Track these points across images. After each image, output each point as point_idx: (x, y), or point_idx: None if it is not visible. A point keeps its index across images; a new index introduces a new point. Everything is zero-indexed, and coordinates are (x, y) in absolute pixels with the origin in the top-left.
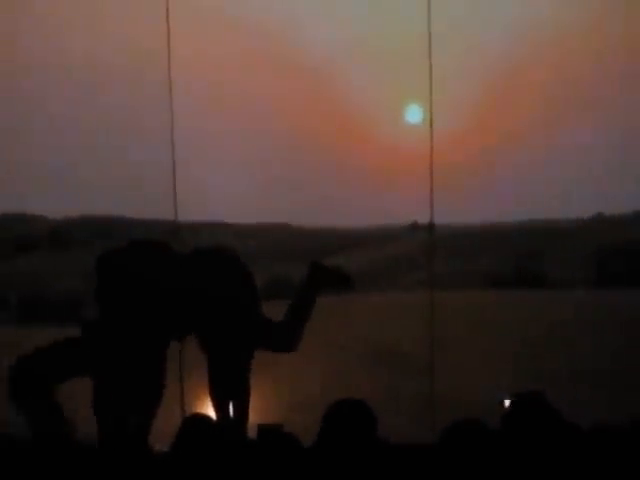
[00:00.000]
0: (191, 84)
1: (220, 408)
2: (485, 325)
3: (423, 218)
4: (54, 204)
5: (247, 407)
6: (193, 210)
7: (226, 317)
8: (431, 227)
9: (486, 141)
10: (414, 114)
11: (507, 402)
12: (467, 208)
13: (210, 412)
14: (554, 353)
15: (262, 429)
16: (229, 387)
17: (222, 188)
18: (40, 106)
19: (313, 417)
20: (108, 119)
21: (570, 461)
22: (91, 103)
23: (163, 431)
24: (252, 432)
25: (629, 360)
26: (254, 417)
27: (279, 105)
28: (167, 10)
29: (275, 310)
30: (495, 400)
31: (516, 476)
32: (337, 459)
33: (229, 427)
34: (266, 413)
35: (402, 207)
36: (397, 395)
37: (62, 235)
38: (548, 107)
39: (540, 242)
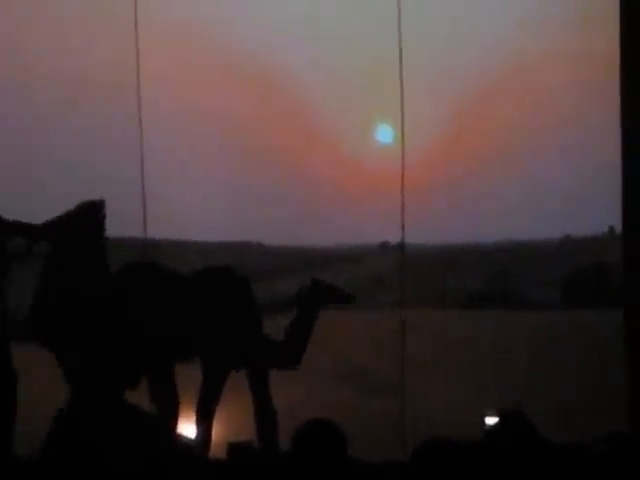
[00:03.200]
0: (160, 100)
1: (204, 427)
2: (456, 344)
3: (394, 238)
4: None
5: (276, 428)
6: (161, 227)
7: (231, 336)
8: (402, 247)
9: (457, 161)
10: (385, 133)
11: (490, 420)
12: (438, 228)
13: (186, 429)
14: (526, 372)
15: (232, 446)
16: (216, 406)
17: (190, 205)
18: (4, 122)
19: (283, 435)
20: (76, 135)
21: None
22: (59, 119)
23: None
24: (222, 450)
25: (599, 379)
26: (223, 434)
27: (249, 123)
28: (135, 26)
29: None
30: (479, 417)
31: None
32: (307, 478)
33: (206, 445)
34: (236, 431)
35: (372, 226)
36: (367, 414)
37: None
38: (520, 128)
39: (509, 262)
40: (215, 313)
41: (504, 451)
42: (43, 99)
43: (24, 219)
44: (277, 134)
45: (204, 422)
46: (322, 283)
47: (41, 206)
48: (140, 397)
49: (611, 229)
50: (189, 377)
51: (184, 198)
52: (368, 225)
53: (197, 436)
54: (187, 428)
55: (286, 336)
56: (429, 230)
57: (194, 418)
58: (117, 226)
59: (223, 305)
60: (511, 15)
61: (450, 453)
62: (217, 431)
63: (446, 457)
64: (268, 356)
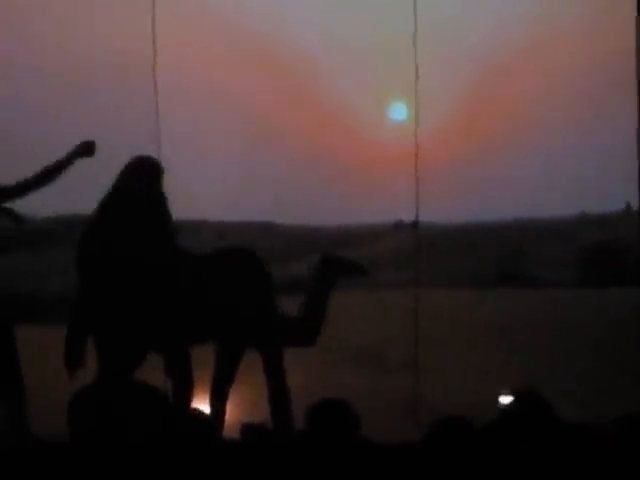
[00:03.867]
0: (176, 83)
1: (217, 407)
2: (470, 324)
3: (409, 217)
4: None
5: (290, 408)
6: (176, 207)
7: (246, 316)
8: (416, 225)
9: (471, 139)
10: (399, 112)
11: (505, 399)
12: (452, 206)
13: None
14: (539, 352)
15: (246, 428)
16: (230, 387)
17: (206, 186)
18: (23, 106)
19: (296, 416)
20: (93, 118)
21: (562, 458)
22: (76, 102)
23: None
24: (235, 431)
25: (614, 359)
26: (237, 416)
27: (263, 104)
28: (153, 10)
29: None
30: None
31: (507, 474)
32: (320, 458)
33: (220, 426)
34: (249, 412)
35: (387, 205)
36: (380, 395)
37: (46, 233)
38: (534, 106)
39: (524, 241)
40: (230, 292)
41: (518, 430)
42: (58, 82)
43: (41, 200)
44: (291, 114)
45: (218, 403)
46: (332, 257)
47: (59, 188)
48: (155, 379)
49: (627, 206)
50: (203, 358)
51: (199, 179)
52: (382, 204)
53: (211, 417)
54: (201, 409)
55: (301, 313)
56: (443, 209)
57: (208, 399)
58: None
59: (238, 285)
60: None
61: (463, 431)
62: (231, 412)
63: (459, 435)
64: (284, 334)
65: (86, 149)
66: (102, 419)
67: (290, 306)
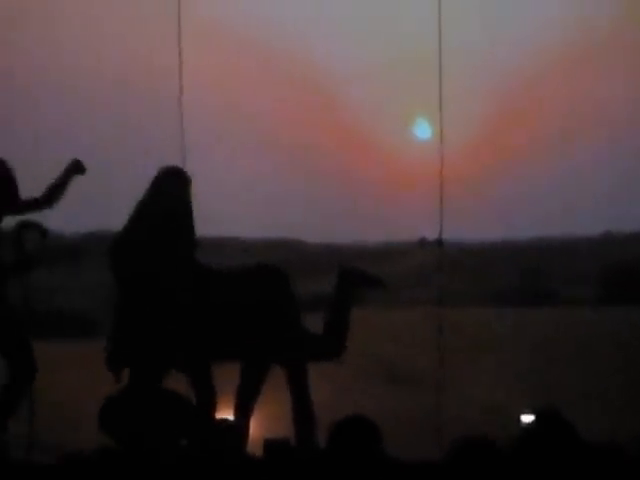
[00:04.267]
0: (201, 100)
1: (241, 423)
2: (494, 342)
3: (432, 234)
4: (69, 219)
5: (314, 425)
6: (201, 224)
7: (271, 332)
8: (440, 243)
9: (496, 157)
10: (424, 129)
11: (526, 418)
12: (476, 224)
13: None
14: (562, 370)
15: (269, 444)
16: (254, 404)
17: (229, 202)
18: (53, 122)
19: (319, 433)
20: (119, 134)
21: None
22: (101, 120)
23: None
24: (258, 447)
25: (636, 378)
26: (260, 431)
27: (289, 120)
28: (179, 27)
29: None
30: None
31: None
32: (343, 475)
33: (243, 442)
34: (272, 427)
35: (410, 223)
36: (404, 412)
37: (76, 250)
38: (559, 123)
39: (549, 259)
40: (254, 309)
41: (539, 449)
42: (85, 100)
43: (71, 216)
44: (315, 131)
45: (242, 419)
46: (349, 269)
47: (85, 204)
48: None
49: None
50: (227, 374)
51: (224, 196)
52: (406, 222)
53: (234, 433)
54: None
55: (325, 327)
56: (467, 226)
57: (232, 414)
58: None
59: (263, 301)
60: (550, 11)
61: (485, 451)
62: (254, 427)
63: (481, 455)
64: (309, 349)
65: (77, 168)
66: (133, 425)
67: (315, 323)
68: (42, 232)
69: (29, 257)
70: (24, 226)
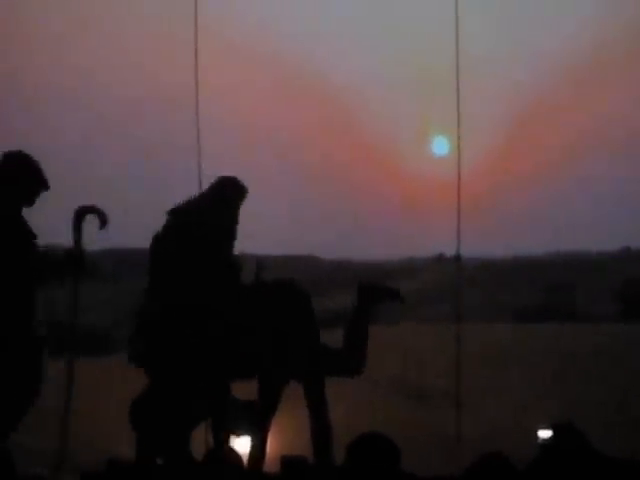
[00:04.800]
0: (218, 115)
1: (258, 440)
2: (513, 358)
3: (450, 250)
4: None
5: (331, 442)
6: None
7: (291, 348)
8: (458, 259)
9: (513, 174)
10: (441, 146)
11: (544, 433)
12: (494, 240)
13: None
14: (583, 386)
15: (286, 461)
16: (271, 420)
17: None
18: (69, 139)
19: (337, 450)
20: (136, 151)
21: None
22: (119, 136)
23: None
24: (275, 464)
25: None
26: (277, 449)
27: (307, 137)
28: (195, 44)
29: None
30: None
31: None
32: None
33: (261, 459)
34: (289, 445)
35: (429, 239)
36: (422, 428)
37: (90, 267)
38: (578, 139)
39: (568, 275)
40: (273, 325)
41: (557, 464)
42: (104, 112)
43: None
44: (333, 148)
45: (259, 435)
46: (367, 284)
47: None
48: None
49: None
50: (245, 390)
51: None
52: (424, 238)
53: (251, 449)
54: (241, 442)
55: (345, 343)
56: (485, 243)
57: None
58: None
59: (281, 317)
60: (565, 29)
61: (504, 469)
62: (272, 444)
63: (500, 473)
64: (331, 364)
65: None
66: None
67: (334, 339)
68: (102, 219)
69: (81, 248)
70: (84, 211)
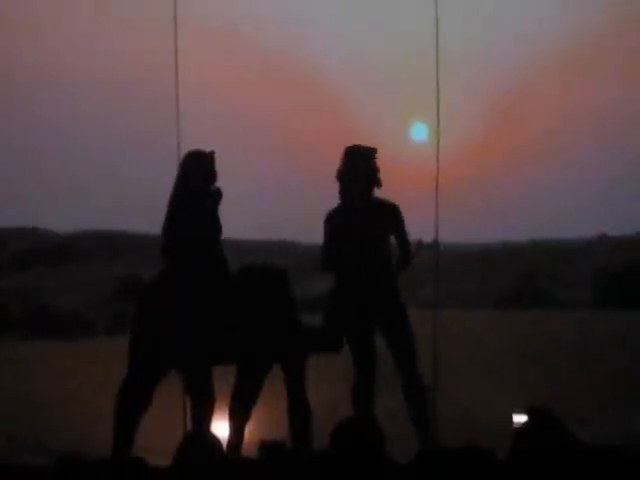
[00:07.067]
0: (199, 101)
1: (237, 425)
2: (488, 344)
3: (428, 237)
4: (64, 219)
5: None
6: None
7: (270, 332)
8: (436, 246)
9: (492, 160)
10: (420, 131)
11: (518, 417)
12: (472, 227)
13: (219, 427)
14: (556, 372)
15: (265, 445)
16: (252, 406)
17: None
18: (50, 123)
19: (319, 433)
20: (114, 135)
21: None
22: (98, 119)
23: (165, 448)
24: (254, 448)
25: (630, 379)
26: (257, 433)
27: (283, 121)
28: (175, 26)
29: None
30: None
31: None
32: (344, 476)
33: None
34: (269, 429)
35: (407, 225)
36: (399, 414)
37: (68, 249)
38: (556, 127)
39: (544, 261)
40: (252, 309)
41: (532, 448)
42: (84, 99)
43: (66, 216)
44: (312, 133)
45: (238, 420)
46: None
47: (82, 204)
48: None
49: None
50: (225, 375)
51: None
52: None
53: (230, 434)
54: (220, 426)
55: (324, 321)
56: (463, 229)
57: (227, 416)
58: (155, 225)
59: (260, 301)
60: (548, 12)
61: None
62: (250, 430)
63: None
64: (311, 342)
65: None
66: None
67: (309, 322)
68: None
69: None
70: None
